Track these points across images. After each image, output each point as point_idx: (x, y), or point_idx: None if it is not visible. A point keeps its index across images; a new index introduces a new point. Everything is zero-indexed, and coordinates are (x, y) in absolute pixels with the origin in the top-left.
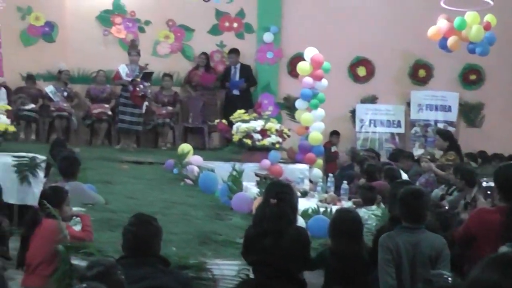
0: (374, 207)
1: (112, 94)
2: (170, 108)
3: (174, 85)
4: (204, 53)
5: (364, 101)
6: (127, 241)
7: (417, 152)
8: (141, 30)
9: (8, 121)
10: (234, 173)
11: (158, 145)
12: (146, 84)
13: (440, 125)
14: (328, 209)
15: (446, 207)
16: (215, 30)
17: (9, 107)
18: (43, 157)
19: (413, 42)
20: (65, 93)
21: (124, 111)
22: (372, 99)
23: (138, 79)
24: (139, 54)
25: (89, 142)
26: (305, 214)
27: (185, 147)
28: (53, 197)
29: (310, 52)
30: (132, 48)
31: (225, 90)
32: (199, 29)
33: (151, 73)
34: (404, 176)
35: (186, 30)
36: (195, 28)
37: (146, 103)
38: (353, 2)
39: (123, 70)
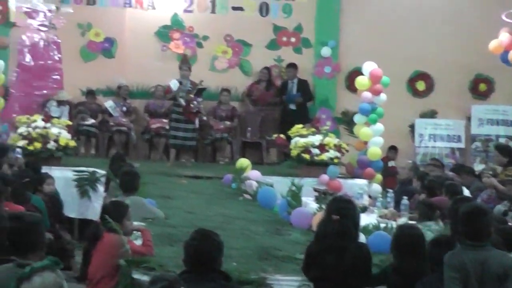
0: (431, 223)
1: (171, 109)
2: (228, 122)
3: (232, 99)
4: (266, 68)
5: (423, 115)
6: (189, 255)
7: (478, 167)
8: (199, 45)
9: (68, 136)
10: (293, 188)
11: (216, 159)
12: (199, 99)
13: (502, 140)
14: (389, 225)
15: (510, 223)
16: (272, 45)
17: (70, 123)
18: (103, 172)
19: (473, 55)
20: (124, 108)
21: (177, 127)
22: (432, 114)
23: (192, 95)
24: (190, 69)
25: (148, 157)
26: (366, 230)
27: (243, 161)
28: (115, 211)
29: (368, 67)
30: (183, 63)
31: (282, 104)
32: (257, 44)
33: (204, 89)
34: (466, 192)
35: (244, 45)
36: (252, 43)
37: (199, 118)
38: (412, 16)
39: (174, 85)
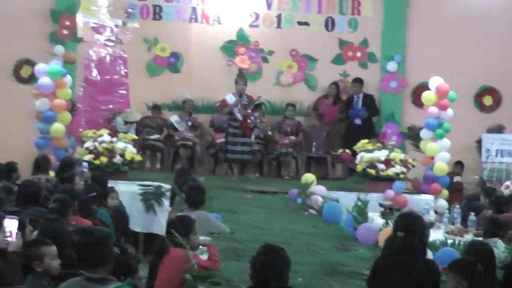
0: (497, 239)
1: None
2: (293, 137)
3: (297, 114)
4: (334, 83)
5: (490, 130)
6: (255, 271)
7: None
8: (265, 60)
9: (134, 150)
10: (359, 203)
11: (281, 174)
12: (256, 114)
13: None
14: (456, 241)
15: None
16: (338, 60)
17: (136, 137)
18: (168, 186)
19: None
20: (189, 123)
21: (234, 141)
22: (499, 129)
23: (249, 111)
24: (246, 83)
25: (213, 171)
26: (433, 246)
27: (309, 176)
28: (181, 226)
29: (435, 81)
30: (239, 77)
31: (347, 119)
32: (323, 58)
33: (261, 104)
34: None
35: (310, 59)
36: (318, 58)
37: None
38: (479, 30)
39: (230, 99)
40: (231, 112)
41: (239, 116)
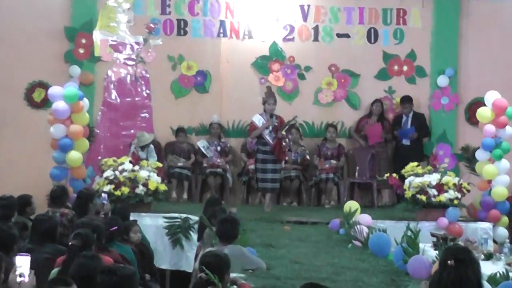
0: None
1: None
2: (334, 161)
3: (338, 136)
4: (378, 100)
5: None
6: None
7: None
8: (301, 77)
9: (159, 179)
10: (409, 233)
11: (321, 203)
12: (290, 137)
13: None
14: None
15: None
16: (383, 75)
17: (160, 164)
18: (197, 218)
19: None
20: (219, 148)
21: (265, 168)
22: None
23: (284, 132)
24: (275, 102)
25: (246, 201)
26: (493, 280)
27: (352, 204)
28: (217, 265)
29: (491, 97)
30: (268, 96)
31: (394, 140)
32: (365, 74)
33: (294, 125)
34: None
35: (351, 75)
36: (360, 73)
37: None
38: None
39: (259, 120)
40: (261, 136)
41: (269, 139)
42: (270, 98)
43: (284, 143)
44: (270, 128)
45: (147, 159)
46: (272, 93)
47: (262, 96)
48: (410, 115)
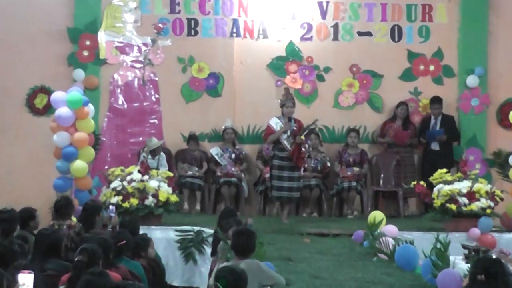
0: None
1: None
2: (356, 169)
3: (361, 141)
4: (403, 103)
5: None
6: None
7: None
8: (320, 78)
9: (169, 189)
10: (438, 245)
11: (343, 213)
12: (310, 142)
13: None
14: None
15: None
16: (407, 75)
17: (171, 174)
18: (210, 231)
19: None
20: (233, 155)
21: (281, 175)
22: None
23: (303, 137)
24: (294, 104)
25: (263, 212)
26: None
27: (377, 215)
28: (231, 281)
29: None
30: (286, 97)
31: (421, 144)
32: (389, 74)
33: (314, 129)
34: None
35: (374, 76)
36: (383, 74)
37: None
38: None
39: (276, 124)
40: (278, 141)
41: (287, 145)
42: (288, 101)
43: (303, 149)
44: (288, 132)
45: (157, 168)
46: (291, 94)
47: (279, 99)
48: (439, 117)
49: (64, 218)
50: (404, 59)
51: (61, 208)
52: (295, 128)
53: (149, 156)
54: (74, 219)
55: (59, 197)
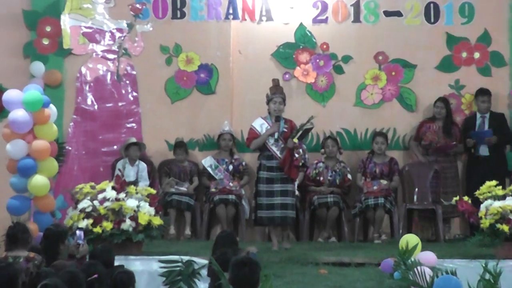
0: None
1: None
2: (384, 182)
3: (390, 148)
4: (443, 100)
5: None
6: None
7: None
8: (338, 70)
9: (152, 210)
10: (487, 276)
11: (368, 237)
12: (304, 146)
13: None
14: None
15: None
16: (447, 65)
17: (153, 191)
18: (204, 261)
19: None
20: (231, 167)
21: (270, 190)
22: None
23: (296, 140)
24: (284, 100)
25: (268, 237)
26: None
27: (410, 239)
28: None
29: None
30: (274, 91)
31: (467, 151)
32: (424, 64)
33: (310, 129)
34: None
35: (405, 66)
36: (417, 63)
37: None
38: None
39: (261, 126)
40: (264, 146)
41: (276, 151)
42: (276, 95)
43: (296, 155)
44: (276, 135)
45: (136, 180)
46: (280, 87)
47: (287, 96)
48: (487, 115)
49: (20, 248)
50: (443, 44)
51: (16, 235)
52: (285, 130)
53: (126, 162)
54: (36, 249)
55: (14, 223)
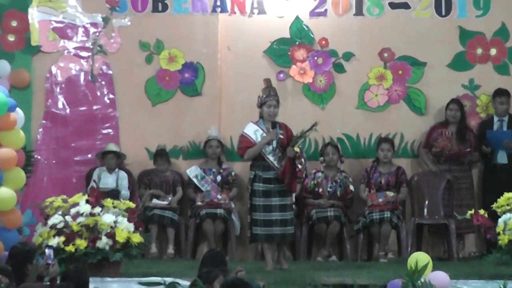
0: None
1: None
2: (391, 194)
3: (397, 155)
4: (456, 102)
5: None
6: None
7: None
8: (339, 69)
9: (131, 226)
10: None
11: (373, 255)
12: (305, 155)
13: None
14: None
15: None
16: (460, 62)
17: (132, 204)
18: (188, 283)
19: None
20: (219, 177)
21: (269, 205)
22: None
23: (297, 149)
24: (278, 102)
25: (261, 256)
26: None
27: (420, 257)
28: None
29: None
30: (267, 92)
31: (483, 158)
32: (434, 61)
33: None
34: None
35: (413, 64)
36: (426, 61)
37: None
38: None
39: (255, 132)
40: (260, 157)
41: (273, 161)
42: (270, 97)
43: (299, 166)
44: (274, 143)
45: (116, 189)
46: (273, 88)
47: (282, 98)
48: (506, 118)
49: None
50: (455, 40)
51: None
52: (282, 137)
53: (104, 170)
54: (4, 270)
55: None
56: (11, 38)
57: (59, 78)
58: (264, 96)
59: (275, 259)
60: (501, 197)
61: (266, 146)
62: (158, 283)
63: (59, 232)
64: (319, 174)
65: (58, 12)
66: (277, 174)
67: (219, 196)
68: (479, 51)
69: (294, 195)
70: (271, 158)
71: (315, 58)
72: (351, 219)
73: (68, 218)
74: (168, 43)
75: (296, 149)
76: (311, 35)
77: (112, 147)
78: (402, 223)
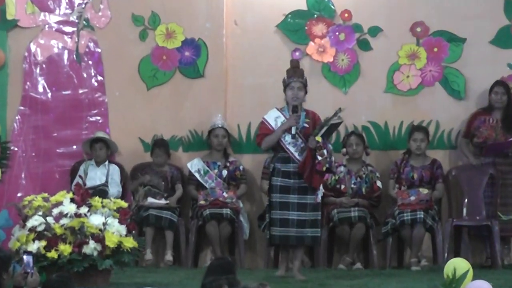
0: None
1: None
2: (424, 191)
3: (432, 147)
4: (500, 83)
5: None
6: None
7: None
8: (364, 46)
9: (123, 229)
10: None
11: (404, 262)
12: (330, 146)
13: None
14: None
15: None
16: (505, 38)
17: (124, 204)
18: None
19: None
20: (225, 172)
21: (286, 202)
22: None
23: (319, 139)
24: (305, 85)
25: (274, 263)
26: None
27: (458, 264)
28: None
29: None
30: (292, 74)
31: None
32: (475, 37)
33: (339, 124)
34: None
35: (450, 41)
36: (466, 37)
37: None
38: None
39: (276, 119)
40: (279, 145)
41: (294, 152)
42: (294, 78)
43: (319, 158)
44: (293, 130)
45: (106, 184)
46: (300, 70)
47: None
48: None
49: None
50: (499, 12)
51: None
52: (306, 125)
53: (91, 163)
54: None
55: None
56: None
57: (39, 58)
58: (287, 77)
59: (289, 268)
60: None
61: (285, 135)
62: None
63: (39, 236)
64: (341, 168)
65: None
66: (297, 167)
67: (225, 194)
68: None
69: (320, 193)
70: (291, 148)
71: (336, 33)
72: (379, 220)
73: (50, 219)
74: (165, 16)
75: (319, 138)
76: (332, 7)
77: (101, 134)
78: (437, 225)
